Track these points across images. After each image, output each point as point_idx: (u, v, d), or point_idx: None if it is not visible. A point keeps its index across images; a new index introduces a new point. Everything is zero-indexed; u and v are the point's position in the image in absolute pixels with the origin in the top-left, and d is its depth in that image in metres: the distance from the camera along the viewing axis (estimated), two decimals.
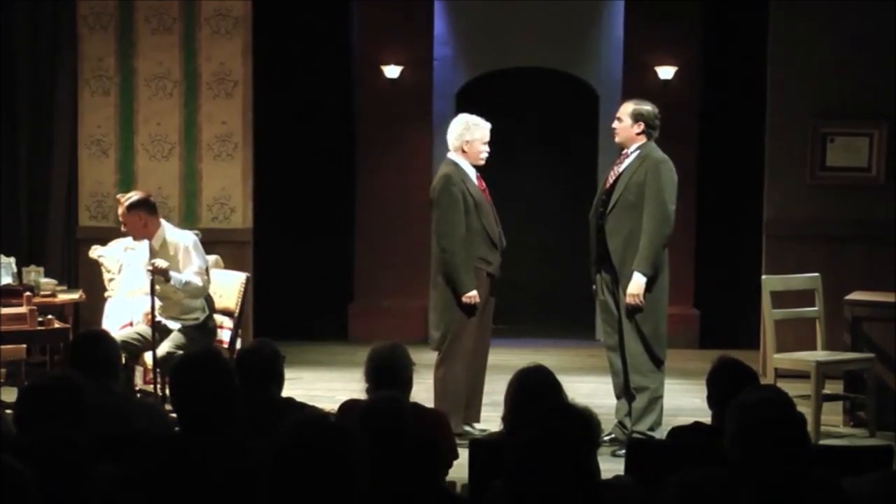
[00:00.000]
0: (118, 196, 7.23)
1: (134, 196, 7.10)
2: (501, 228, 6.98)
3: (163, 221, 7.16)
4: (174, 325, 7.09)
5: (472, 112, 7.09)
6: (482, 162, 6.93)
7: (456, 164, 6.86)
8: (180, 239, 7.08)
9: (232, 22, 9.00)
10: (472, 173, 6.89)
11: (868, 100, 8.65)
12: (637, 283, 6.54)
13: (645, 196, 6.57)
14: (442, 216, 6.81)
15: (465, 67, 10.90)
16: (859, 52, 8.64)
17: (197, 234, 7.79)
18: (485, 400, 7.53)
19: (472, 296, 6.76)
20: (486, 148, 6.91)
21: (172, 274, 6.86)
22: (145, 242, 7.10)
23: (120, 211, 7.11)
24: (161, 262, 6.85)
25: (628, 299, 6.57)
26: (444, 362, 6.85)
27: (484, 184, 6.95)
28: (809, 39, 8.72)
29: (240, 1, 9.02)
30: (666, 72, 10.25)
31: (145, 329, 7.09)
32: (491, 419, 6.73)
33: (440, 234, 6.83)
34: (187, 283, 6.92)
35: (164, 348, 6.93)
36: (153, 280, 6.89)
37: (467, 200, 6.78)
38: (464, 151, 6.88)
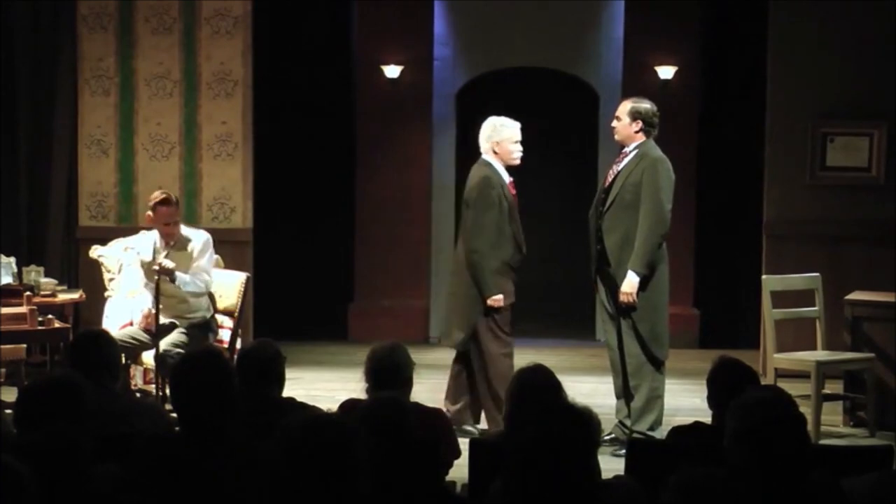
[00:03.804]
0: (162, 198, 7.16)
1: (168, 192, 7.25)
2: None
3: None
4: (179, 324, 7.13)
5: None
6: (516, 161, 6.89)
7: (491, 166, 6.84)
8: (196, 236, 7.25)
9: (232, 22, 9.00)
10: (506, 176, 6.87)
11: (868, 100, 8.65)
12: (630, 282, 6.54)
13: (641, 195, 6.57)
14: (477, 218, 6.76)
15: (465, 67, 10.90)
16: (859, 52, 8.64)
17: None
18: None
19: (498, 299, 6.77)
20: (518, 147, 6.88)
21: (178, 274, 6.94)
22: (151, 241, 7.20)
23: (170, 210, 7.08)
24: (167, 263, 6.91)
25: (621, 298, 6.57)
26: (486, 368, 6.83)
27: (514, 188, 6.92)
28: (809, 39, 8.72)
29: (240, 1, 9.02)
30: (666, 72, 10.25)
31: (141, 332, 7.13)
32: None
33: (473, 236, 6.78)
34: (190, 283, 7.00)
35: (161, 346, 6.95)
36: (158, 279, 6.93)
37: (502, 204, 6.76)
38: (495, 153, 6.86)
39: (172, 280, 6.93)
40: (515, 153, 6.89)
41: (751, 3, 9.50)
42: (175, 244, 7.16)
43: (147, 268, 7.17)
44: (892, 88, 8.55)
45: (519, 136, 6.91)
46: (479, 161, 6.95)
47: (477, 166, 6.94)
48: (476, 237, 6.77)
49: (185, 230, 7.25)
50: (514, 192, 6.89)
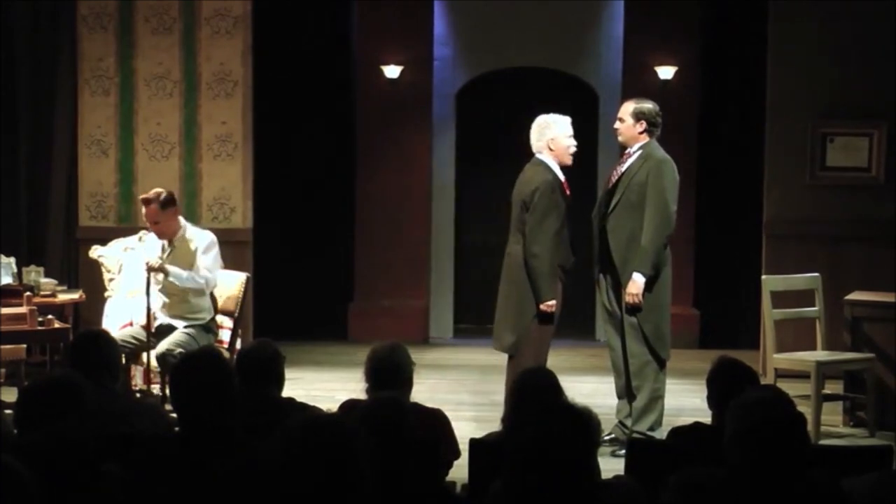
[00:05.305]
0: (142, 197, 7.19)
1: (163, 192, 7.13)
2: None
3: (180, 218, 7.25)
4: (180, 324, 7.13)
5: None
6: (569, 160, 6.82)
7: (547, 166, 6.76)
8: (199, 236, 7.21)
9: (232, 22, 9.00)
10: (561, 176, 6.79)
11: (868, 100, 8.65)
12: (636, 283, 6.53)
13: (646, 196, 6.56)
14: (539, 222, 6.67)
15: (465, 67, 10.90)
16: (859, 52, 8.64)
17: None
18: (484, 400, 7.55)
19: (552, 304, 6.72)
20: (573, 141, 6.83)
21: (172, 270, 6.93)
22: (159, 240, 7.20)
23: (149, 209, 7.06)
24: (154, 261, 6.93)
25: (627, 299, 6.56)
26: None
27: (568, 188, 6.84)
28: (809, 39, 8.73)
29: (240, 1, 9.02)
30: (666, 72, 10.25)
31: (143, 331, 7.14)
32: (491, 419, 6.74)
33: (532, 240, 6.69)
34: (188, 279, 7.01)
35: (162, 346, 6.95)
36: (149, 278, 6.95)
37: (560, 207, 6.71)
38: (550, 150, 6.80)
39: (166, 275, 6.95)
40: (571, 147, 6.82)
41: (751, 3, 9.50)
42: (176, 243, 7.15)
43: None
44: (892, 88, 8.55)
45: (571, 130, 6.85)
46: (533, 161, 6.85)
47: (532, 166, 6.83)
48: (536, 242, 6.67)
49: (190, 231, 7.23)
50: (568, 192, 6.82)
